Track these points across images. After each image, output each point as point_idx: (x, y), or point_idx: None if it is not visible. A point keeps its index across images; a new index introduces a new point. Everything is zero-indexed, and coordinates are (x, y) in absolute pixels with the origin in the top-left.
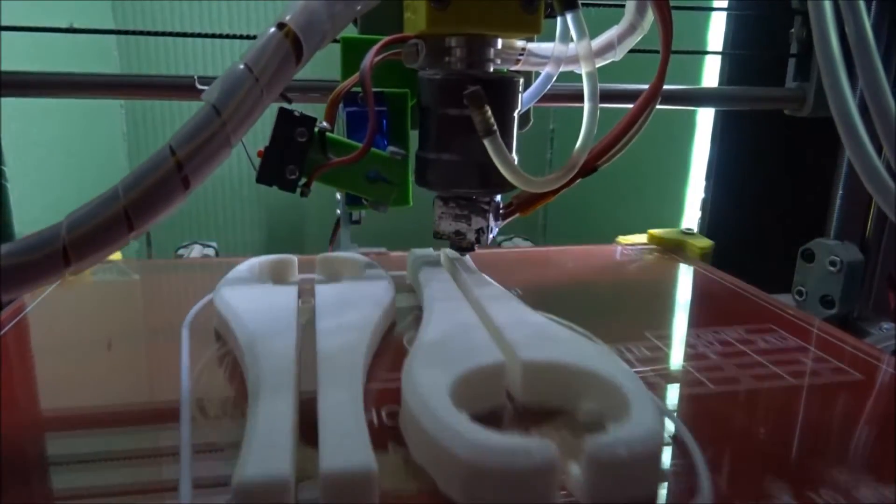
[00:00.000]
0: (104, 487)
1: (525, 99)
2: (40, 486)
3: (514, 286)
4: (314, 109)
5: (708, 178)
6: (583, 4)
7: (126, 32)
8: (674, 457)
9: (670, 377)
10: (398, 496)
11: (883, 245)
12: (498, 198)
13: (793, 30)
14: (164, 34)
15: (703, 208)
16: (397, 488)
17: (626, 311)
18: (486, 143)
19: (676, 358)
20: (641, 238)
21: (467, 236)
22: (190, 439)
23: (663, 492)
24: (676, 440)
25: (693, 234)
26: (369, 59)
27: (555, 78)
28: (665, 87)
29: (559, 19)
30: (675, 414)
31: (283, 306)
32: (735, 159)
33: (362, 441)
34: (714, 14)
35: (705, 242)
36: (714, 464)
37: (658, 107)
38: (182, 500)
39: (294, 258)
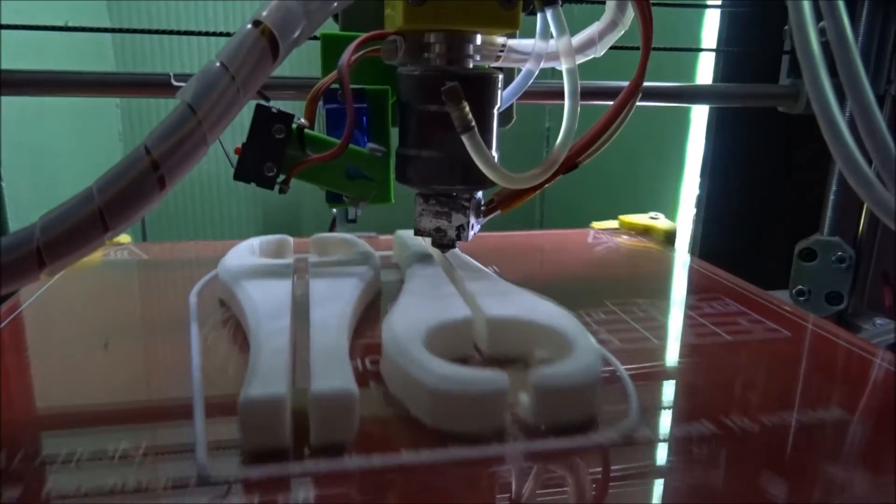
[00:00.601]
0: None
1: (505, 96)
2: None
3: (492, 265)
4: (294, 107)
5: (702, 174)
6: (563, 1)
7: (122, 31)
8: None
9: (621, 333)
10: (376, 420)
11: (877, 241)
12: (479, 194)
13: (786, 27)
14: (159, 32)
15: (698, 205)
16: (375, 414)
17: (590, 285)
18: (464, 139)
19: (628, 319)
20: (614, 223)
21: (448, 233)
22: (202, 390)
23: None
24: (613, 376)
25: (658, 219)
26: (347, 55)
27: (535, 74)
28: (659, 84)
29: (539, 16)
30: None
31: (280, 275)
32: (729, 156)
33: (346, 372)
34: (708, 11)
35: (669, 226)
36: (645, 395)
37: (653, 104)
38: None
39: (290, 238)
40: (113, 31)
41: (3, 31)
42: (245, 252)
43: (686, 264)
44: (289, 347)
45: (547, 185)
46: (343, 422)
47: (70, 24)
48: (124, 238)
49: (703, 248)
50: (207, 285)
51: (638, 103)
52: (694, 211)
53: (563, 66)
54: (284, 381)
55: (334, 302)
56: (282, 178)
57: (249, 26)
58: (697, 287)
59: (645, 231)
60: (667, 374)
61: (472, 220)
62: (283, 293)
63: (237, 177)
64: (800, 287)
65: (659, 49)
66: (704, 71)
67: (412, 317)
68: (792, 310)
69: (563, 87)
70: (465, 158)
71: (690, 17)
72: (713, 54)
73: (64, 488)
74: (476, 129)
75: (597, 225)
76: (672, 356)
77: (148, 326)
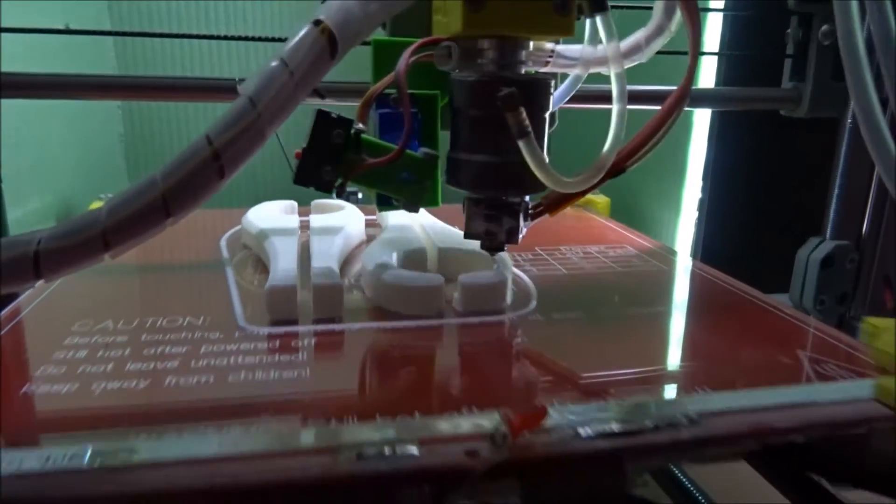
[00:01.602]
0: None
1: (554, 100)
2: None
3: (455, 225)
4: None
5: (705, 178)
6: (611, 6)
7: (123, 34)
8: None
9: (539, 266)
10: (356, 307)
11: (879, 245)
12: (527, 198)
13: (789, 30)
14: (161, 35)
15: (700, 208)
16: (357, 304)
17: (527, 237)
18: (520, 144)
19: (550, 258)
20: None
21: (498, 236)
22: (238, 296)
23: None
24: (520, 285)
25: (597, 193)
26: (404, 60)
27: (583, 79)
28: (662, 88)
29: (588, 21)
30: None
31: (290, 222)
32: (732, 160)
33: (335, 274)
34: (710, 15)
35: (603, 199)
36: (541, 296)
37: (655, 108)
38: (240, 323)
39: (295, 202)
40: (114, 34)
41: (4, 35)
42: (262, 209)
43: (608, 226)
44: (297, 261)
45: (593, 190)
46: (333, 303)
47: (71, 27)
48: None
49: (705, 251)
50: (232, 236)
51: (640, 107)
52: (696, 214)
53: (612, 71)
54: (295, 277)
55: (329, 240)
56: (339, 181)
57: (310, 25)
58: (610, 240)
59: (586, 203)
60: (564, 288)
61: (522, 223)
62: (292, 232)
63: (297, 181)
64: (822, 297)
65: (661, 52)
66: (706, 74)
67: (384, 248)
68: (792, 314)
69: (595, 91)
70: (518, 163)
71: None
72: (715, 58)
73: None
74: (532, 134)
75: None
76: (573, 279)
77: (188, 260)
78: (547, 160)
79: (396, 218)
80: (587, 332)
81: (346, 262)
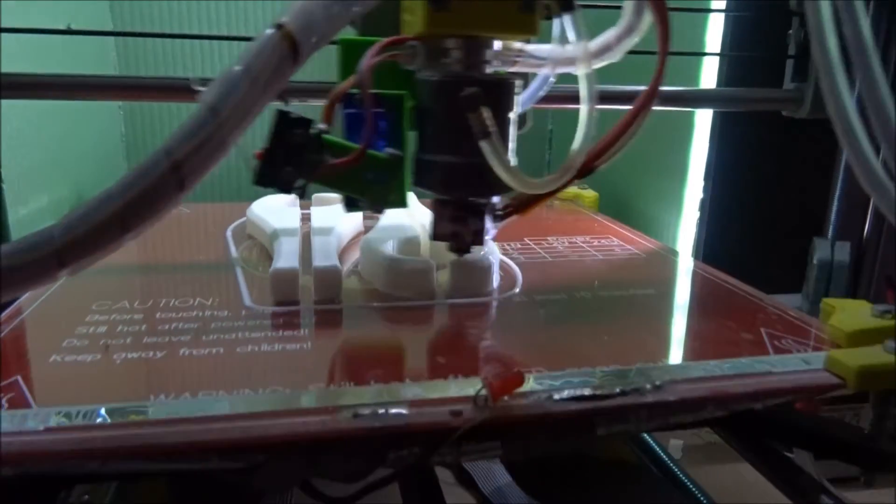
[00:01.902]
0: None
1: (522, 100)
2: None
3: None
4: (312, 111)
5: (706, 178)
6: (580, 6)
7: (124, 34)
8: (504, 278)
9: (527, 254)
10: (353, 290)
11: (881, 245)
12: (495, 199)
13: (790, 31)
14: (162, 36)
15: (702, 208)
16: (353, 288)
17: (516, 229)
18: (481, 145)
19: (537, 247)
20: None
21: (465, 238)
22: (244, 281)
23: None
24: (507, 270)
25: (586, 188)
26: (367, 60)
27: (551, 79)
28: (664, 88)
29: (556, 21)
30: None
31: (292, 213)
32: (733, 160)
33: (334, 259)
34: (712, 15)
35: (591, 194)
36: (526, 281)
37: (657, 108)
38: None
39: (297, 198)
40: (116, 34)
41: (6, 36)
42: (266, 202)
43: (594, 218)
44: (299, 248)
45: (563, 189)
46: (332, 286)
47: (72, 28)
48: None
49: (707, 251)
50: (237, 228)
51: (625, 107)
52: (697, 214)
53: (581, 72)
54: (297, 262)
55: (329, 229)
56: (301, 182)
57: (271, 30)
58: (595, 231)
59: (574, 197)
60: (549, 274)
61: (489, 224)
62: (295, 223)
63: (257, 181)
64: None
65: (642, 53)
66: (708, 75)
67: (380, 236)
68: (796, 315)
69: (566, 92)
70: (483, 164)
71: (695, 22)
72: (717, 59)
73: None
74: (494, 135)
75: None
76: (557, 266)
77: (196, 249)
78: (512, 161)
79: (392, 211)
80: (567, 312)
81: (344, 251)
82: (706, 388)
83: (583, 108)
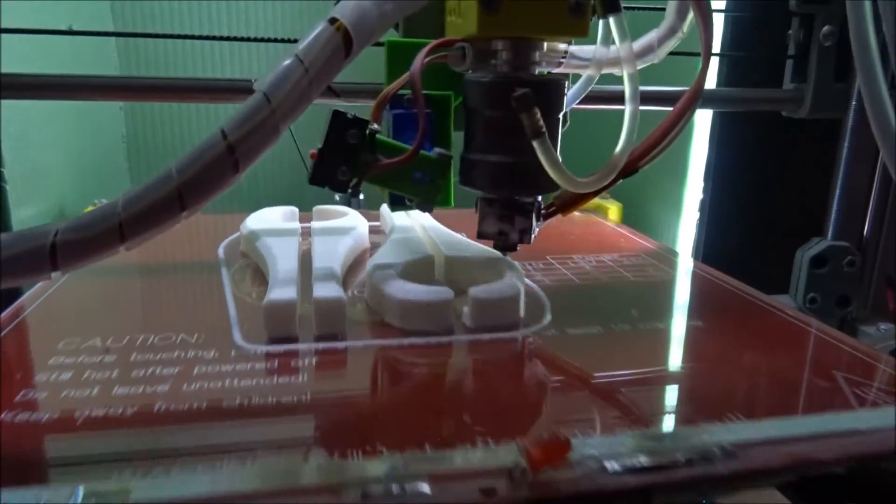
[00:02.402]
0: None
1: (567, 101)
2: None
3: (460, 231)
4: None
5: (706, 179)
6: (624, 7)
7: (126, 35)
8: (529, 306)
9: (552, 276)
10: (360, 322)
11: (881, 246)
12: (540, 197)
13: (790, 31)
14: (163, 36)
15: (702, 209)
16: (360, 318)
17: (537, 245)
18: (535, 144)
19: (562, 267)
20: None
21: (511, 237)
22: (235, 311)
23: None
24: (533, 297)
25: (607, 198)
26: (419, 61)
27: (595, 80)
28: (663, 88)
29: (601, 22)
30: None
31: (290, 230)
32: (733, 160)
33: (338, 287)
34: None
35: (615, 204)
36: (555, 310)
37: (657, 108)
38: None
39: (296, 208)
40: (116, 35)
41: (7, 36)
42: (262, 215)
43: (620, 232)
44: (297, 272)
45: (605, 190)
46: (335, 319)
47: (73, 28)
48: None
49: (706, 252)
50: (230, 244)
51: (641, 107)
52: (697, 215)
53: (625, 72)
54: (295, 291)
55: (331, 247)
56: (354, 181)
57: (325, 23)
58: (623, 248)
59: (596, 208)
60: (579, 300)
61: (534, 223)
62: (293, 241)
63: (312, 181)
64: (812, 295)
65: (684, 54)
66: (708, 75)
67: (388, 257)
68: (794, 315)
69: (608, 92)
70: (532, 164)
71: (693, 22)
72: (717, 59)
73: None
74: (546, 135)
75: None
76: (583, 289)
77: (184, 268)
78: (560, 160)
79: (400, 224)
80: (606, 350)
81: (349, 270)
82: (786, 454)
83: (627, 109)
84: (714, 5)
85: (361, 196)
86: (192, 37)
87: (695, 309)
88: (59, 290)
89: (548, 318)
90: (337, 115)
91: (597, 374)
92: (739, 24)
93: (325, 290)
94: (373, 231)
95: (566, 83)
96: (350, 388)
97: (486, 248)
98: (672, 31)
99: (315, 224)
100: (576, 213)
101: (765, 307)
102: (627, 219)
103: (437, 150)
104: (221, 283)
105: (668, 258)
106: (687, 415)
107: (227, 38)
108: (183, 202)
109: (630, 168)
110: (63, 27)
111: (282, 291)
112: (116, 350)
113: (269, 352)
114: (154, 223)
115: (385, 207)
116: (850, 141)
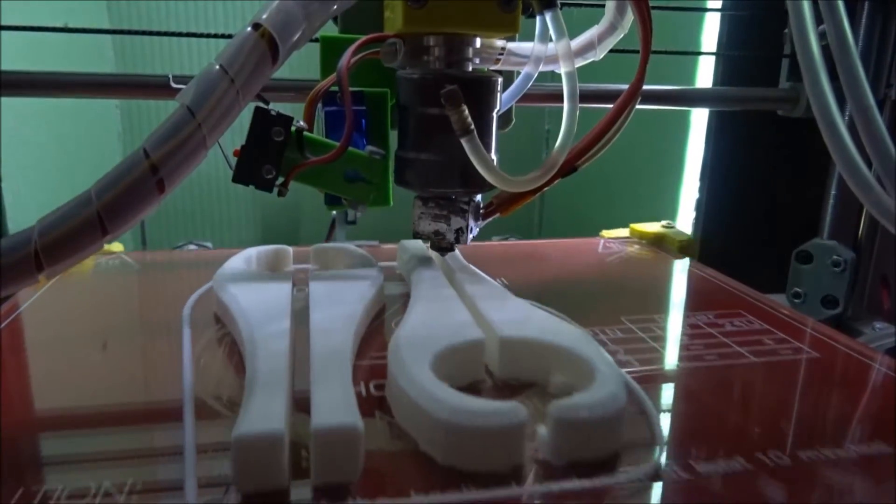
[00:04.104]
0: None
1: (504, 99)
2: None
3: (500, 276)
4: (293, 109)
5: (702, 178)
6: (562, 4)
7: (121, 32)
8: (634, 423)
9: (639, 354)
10: (382, 454)
11: (876, 245)
12: (478, 198)
13: (786, 30)
14: (159, 34)
15: (697, 208)
16: (382, 448)
17: (604, 299)
18: (463, 142)
19: (650, 340)
20: (624, 232)
21: (447, 236)
22: (193, 424)
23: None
24: (638, 407)
25: (673, 227)
26: (346, 58)
27: (534, 77)
28: (659, 87)
29: (538, 19)
30: (639, 385)
31: (278, 293)
32: (729, 160)
33: (350, 404)
34: (708, 15)
35: (683, 236)
36: (672, 430)
37: (653, 107)
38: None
39: (289, 249)
40: (112, 32)
41: (2, 33)
42: (241, 264)
43: (703, 276)
44: (287, 371)
45: (546, 189)
46: (347, 459)
47: (69, 26)
48: (116, 247)
49: (703, 251)
50: (202, 299)
51: (638, 106)
52: (693, 214)
53: (563, 70)
54: (282, 413)
55: (336, 321)
56: (281, 180)
57: (249, 29)
58: (722, 301)
59: (658, 239)
60: (694, 403)
61: (471, 223)
62: (282, 311)
63: (236, 179)
64: (796, 289)
65: (659, 52)
66: (704, 74)
67: (420, 338)
68: (790, 313)
69: (563, 90)
70: (465, 161)
71: (690, 21)
72: (713, 58)
73: None
74: (475, 132)
75: (606, 234)
76: (695, 380)
77: (138, 343)
78: (494, 159)
79: (426, 272)
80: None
81: (361, 349)
82: None
83: (565, 107)
84: (711, 4)
85: (376, 242)
86: (188, 34)
87: (859, 414)
88: None
89: (660, 447)
90: (260, 112)
91: None
92: (736, 23)
93: (331, 413)
94: (387, 274)
95: (500, 80)
96: None
97: (549, 316)
98: (612, 28)
99: (313, 284)
100: (635, 246)
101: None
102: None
103: (370, 147)
104: (180, 368)
105: (791, 323)
106: None
107: (225, 37)
108: (104, 227)
109: (569, 167)
110: (59, 25)
111: (262, 417)
112: None
113: None
114: (73, 250)
115: (404, 244)
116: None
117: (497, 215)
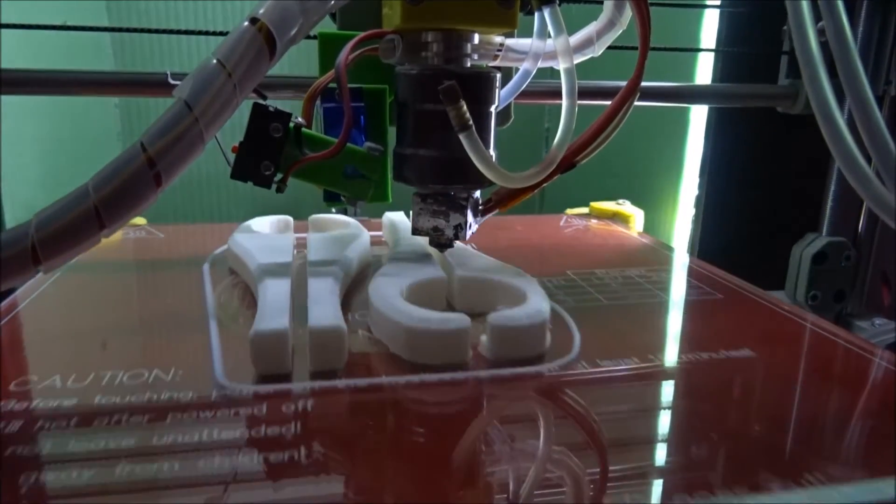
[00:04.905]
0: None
1: (503, 95)
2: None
3: (470, 242)
4: (292, 106)
5: (701, 174)
6: (560, 0)
7: (120, 30)
8: (559, 337)
9: (576, 295)
10: (362, 355)
11: (875, 241)
12: (477, 194)
13: (785, 27)
14: (158, 32)
15: (697, 205)
16: (362, 350)
17: (555, 258)
18: (461, 138)
19: (587, 286)
20: (586, 210)
21: (445, 232)
22: (219, 341)
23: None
24: (565, 328)
25: (624, 205)
26: (344, 54)
27: (533, 74)
28: (658, 84)
29: (537, 15)
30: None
31: (282, 242)
32: (728, 156)
33: (337, 314)
34: (707, 11)
35: (634, 211)
36: (584, 339)
37: (652, 104)
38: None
39: (290, 218)
40: (111, 30)
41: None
42: (252, 227)
43: (639, 240)
44: (289, 295)
45: (545, 185)
46: (335, 352)
47: (68, 24)
48: (140, 220)
49: (702, 247)
50: (219, 259)
51: (637, 103)
52: (693, 211)
53: (561, 66)
54: (286, 319)
55: (330, 263)
56: (279, 176)
57: (246, 24)
58: (650, 261)
59: (613, 216)
60: (610, 327)
61: (470, 219)
62: (285, 251)
63: (234, 175)
64: (814, 293)
65: (658, 49)
66: (703, 71)
67: (394, 276)
68: (790, 309)
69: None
70: (463, 157)
71: (689, 17)
72: (712, 54)
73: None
74: (473, 128)
75: (570, 211)
76: (614, 310)
77: (163, 290)
78: (492, 155)
79: (406, 236)
80: (648, 392)
81: (349, 291)
82: None
83: (564, 103)
84: (710, 1)
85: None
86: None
87: (741, 336)
88: (19, 316)
89: (576, 348)
90: (258, 108)
91: (639, 421)
92: (735, 19)
93: (322, 318)
94: (374, 241)
95: (498, 76)
96: (350, 439)
97: (505, 266)
98: (611, 24)
99: (311, 236)
100: (593, 221)
101: (821, 334)
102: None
103: (368, 143)
104: (204, 305)
105: (704, 275)
106: (755, 470)
107: (223, 35)
108: (101, 220)
109: (567, 163)
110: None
111: (272, 320)
112: (77, 392)
113: (257, 393)
114: (70, 244)
115: (388, 216)
116: None
117: (496, 211)
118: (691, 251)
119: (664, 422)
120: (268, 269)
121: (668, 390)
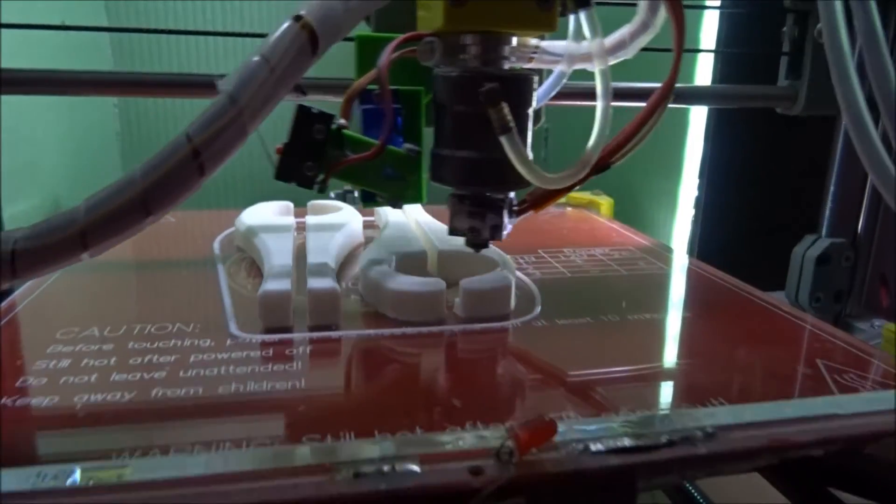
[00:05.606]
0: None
1: (538, 97)
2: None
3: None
4: (328, 108)
5: (701, 176)
6: (596, 3)
7: (119, 30)
8: (520, 298)
9: (544, 269)
10: (354, 314)
11: (875, 243)
12: (512, 194)
13: (785, 28)
14: (158, 32)
15: (696, 206)
16: (353, 311)
17: (529, 238)
18: (502, 140)
19: (553, 261)
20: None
21: (482, 233)
22: (231, 301)
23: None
24: (524, 289)
25: (600, 194)
26: (386, 56)
27: (568, 75)
28: (636, 85)
29: (572, 17)
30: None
31: (285, 223)
32: (728, 157)
33: (332, 278)
34: (707, 12)
35: (607, 200)
36: (545, 302)
37: (642, 103)
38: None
39: (291, 204)
40: (110, 30)
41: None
42: (257, 211)
43: (608, 225)
44: (292, 265)
45: (577, 186)
46: (331, 310)
47: (67, 24)
48: None
49: (702, 249)
50: (227, 239)
51: (636, 104)
52: (692, 212)
53: (596, 68)
54: (289, 282)
55: (325, 241)
56: (321, 177)
57: (290, 21)
58: (614, 242)
59: (588, 204)
60: (569, 292)
61: (506, 219)
62: (287, 235)
63: (278, 176)
64: (818, 294)
65: (657, 50)
66: (703, 72)
67: (382, 249)
68: (790, 310)
69: (577, 89)
70: (502, 159)
71: (689, 18)
72: (711, 55)
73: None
74: (515, 129)
75: None
76: (577, 283)
77: (179, 262)
78: (530, 156)
79: (395, 218)
80: (594, 339)
81: (343, 264)
82: (765, 436)
83: (599, 105)
84: (709, 2)
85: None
86: (186, 32)
87: (684, 302)
88: (54, 284)
89: (538, 309)
90: (302, 110)
91: (585, 363)
92: (734, 20)
93: (320, 282)
94: (367, 226)
95: (536, 79)
96: (343, 375)
97: None
98: (644, 27)
99: (310, 219)
100: (568, 209)
101: (760, 303)
102: (623, 216)
103: (406, 145)
104: (217, 276)
105: (659, 253)
106: (671, 398)
107: (222, 34)
108: (148, 207)
109: (602, 164)
110: (57, 23)
111: (277, 283)
112: (114, 339)
113: (264, 341)
114: (118, 229)
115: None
116: (845, 138)
117: (531, 212)
118: (691, 252)
119: (613, 356)
120: (272, 244)
121: (618, 338)
